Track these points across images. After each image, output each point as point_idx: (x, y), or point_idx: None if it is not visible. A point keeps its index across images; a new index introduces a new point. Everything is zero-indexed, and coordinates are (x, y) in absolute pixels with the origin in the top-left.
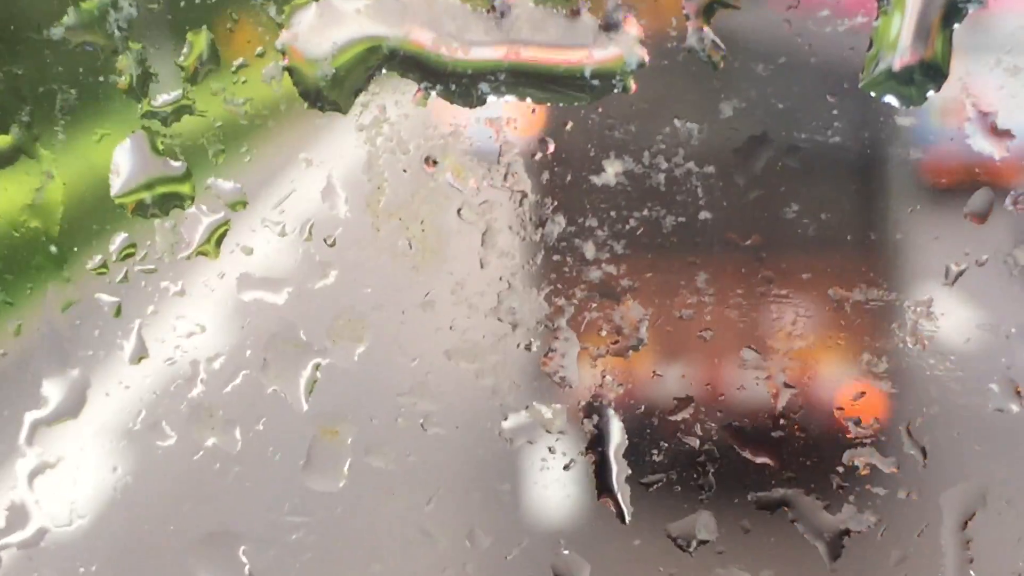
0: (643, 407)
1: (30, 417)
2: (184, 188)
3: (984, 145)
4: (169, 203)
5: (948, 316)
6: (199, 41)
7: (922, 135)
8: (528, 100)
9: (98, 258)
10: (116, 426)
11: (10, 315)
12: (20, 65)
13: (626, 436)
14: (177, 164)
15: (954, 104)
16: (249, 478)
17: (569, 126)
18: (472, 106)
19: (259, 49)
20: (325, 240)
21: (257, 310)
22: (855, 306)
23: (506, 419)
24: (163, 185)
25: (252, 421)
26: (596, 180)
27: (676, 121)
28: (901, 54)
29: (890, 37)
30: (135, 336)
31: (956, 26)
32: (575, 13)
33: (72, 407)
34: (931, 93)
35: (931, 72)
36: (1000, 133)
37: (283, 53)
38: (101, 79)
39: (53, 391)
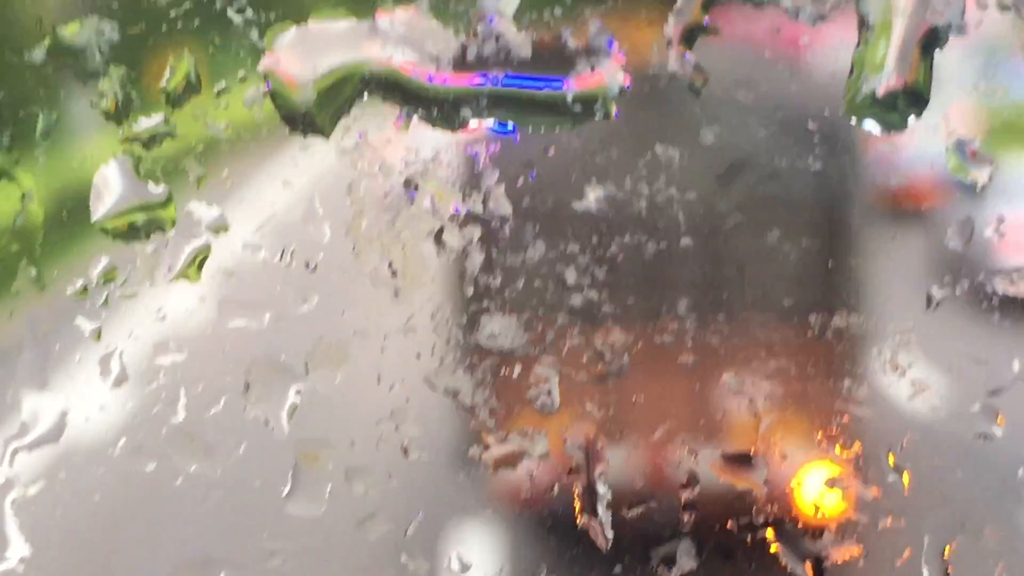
0: (624, 433)
1: (9, 442)
2: (165, 212)
3: (966, 170)
4: (150, 227)
5: (929, 342)
6: (181, 65)
7: (902, 161)
8: (510, 125)
9: (79, 282)
10: (96, 451)
11: None
12: (1, 88)
13: (608, 462)
14: (158, 188)
15: (934, 130)
16: (229, 503)
17: (551, 151)
18: (454, 130)
19: (241, 73)
20: (306, 264)
21: (238, 335)
22: (836, 332)
23: (487, 445)
24: (144, 209)
25: (233, 446)
26: (577, 206)
27: (658, 147)
28: (885, 79)
29: (874, 62)
30: (115, 361)
31: (937, 52)
32: (557, 38)
33: (52, 432)
34: (912, 119)
35: (914, 98)
36: (980, 159)
37: (265, 77)
38: (82, 102)
39: (33, 416)
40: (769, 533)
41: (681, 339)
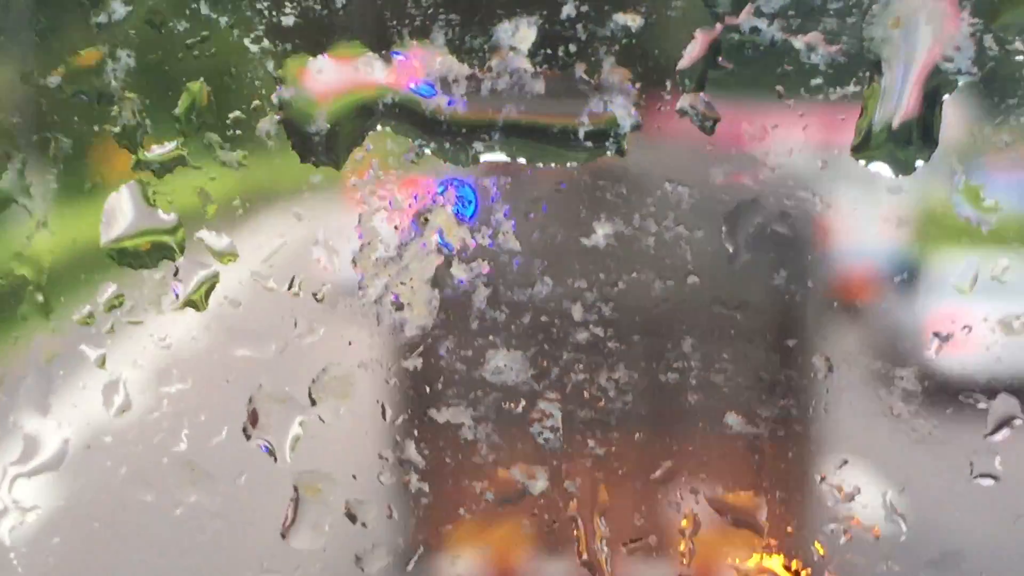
0: (626, 470)
1: (10, 468)
2: (174, 239)
3: (971, 214)
4: (159, 254)
5: (932, 384)
6: (195, 93)
7: (910, 203)
8: (521, 160)
9: (85, 308)
10: (97, 479)
11: None
12: (15, 113)
13: (609, 499)
14: (168, 216)
15: (942, 173)
16: (229, 534)
17: (560, 187)
18: (466, 164)
19: (255, 102)
20: (314, 295)
21: (243, 364)
22: (841, 372)
23: (489, 480)
24: (153, 236)
25: (234, 477)
26: (586, 242)
27: (667, 184)
28: (901, 110)
29: (887, 100)
30: (119, 388)
31: (946, 97)
32: (571, 74)
33: (53, 459)
34: (920, 163)
35: (925, 135)
36: (986, 204)
37: (279, 107)
38: (96, 128)
39: (34, 442)
40: (768, 574)
41: (685, 377)
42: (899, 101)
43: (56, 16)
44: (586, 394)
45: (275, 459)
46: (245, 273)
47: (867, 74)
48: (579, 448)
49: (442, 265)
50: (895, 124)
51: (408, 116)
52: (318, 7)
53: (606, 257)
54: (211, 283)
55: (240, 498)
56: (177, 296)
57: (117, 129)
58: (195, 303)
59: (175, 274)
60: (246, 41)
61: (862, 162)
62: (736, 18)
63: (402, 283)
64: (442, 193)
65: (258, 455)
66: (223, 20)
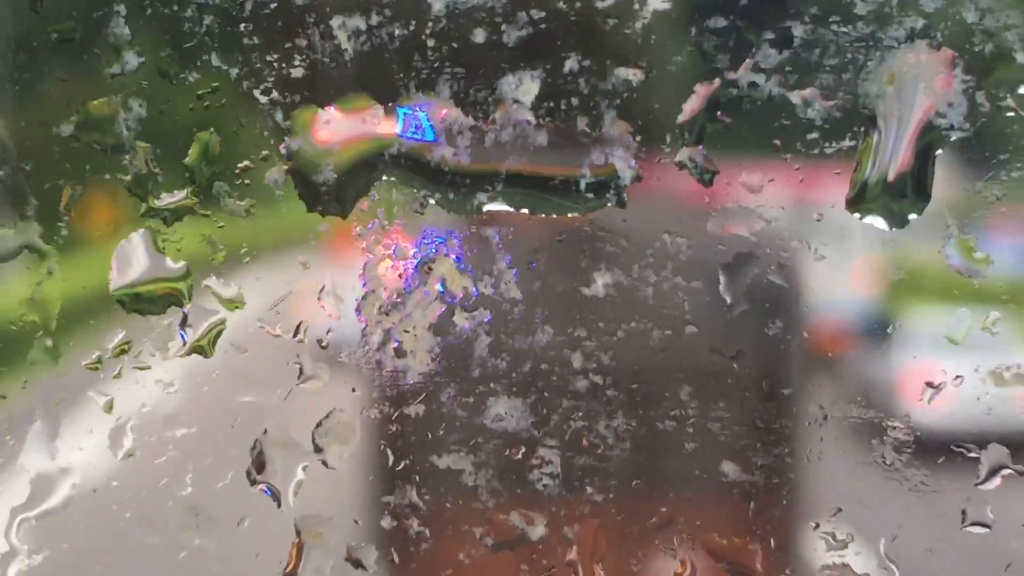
0: (624, 516)
1: (16, 512)
2: (182, 286)
3: (963, 267)
4: (167, 301)
5: (924, 434)
6: (205, 143)
7: (903, 256)
8: (524, 210)
9: (94, 354)
10: (102, 523)
11: (1, 408)
12: (28, 160)
13: (606, 545)
14: (177, 264)
15: (935, 227)
16: None
17: (561, 237)
18: (470, 214)
19: (264, 153)
20: (319, 342)
21: (248, 409)
22: (835, 421)
23: (489, 524)
24: (162, 283)
25: (237, 521)
26: (586, 291)
27: (665, 236)
28: (896, 163)
29: (881, 154)
30: (126, 433)
31: (939, 152)
32: (573, 126)
33: (59, 503)
34: (913, 217)
35: (919, 189)
36: (978, 257)
37: (287, 157)
38: (107, 177)
39: (41, 485)
40: None
41: (682, 426)
42: (893, 155)
43: (70, 66)
44: (585, 441)
45: (278, 504)
46: (251, 320)
47: (862, 129)
48: (578, 495)
49: (444, 313)
50: (890, 178)
51: (413, 167)
52: (326, 60)
53: (605, 306)
54: (218, 329)
55: (243, 542)
56: (184, 342)
57: (128, 178)
58: (202, 349)
59: (183, 321)
60: (256, 92)
61: (857, 215)
62: (735, 73)
63: (405, 331)
64: (443, 243)
65: (261, 499)
66: (233, 71)
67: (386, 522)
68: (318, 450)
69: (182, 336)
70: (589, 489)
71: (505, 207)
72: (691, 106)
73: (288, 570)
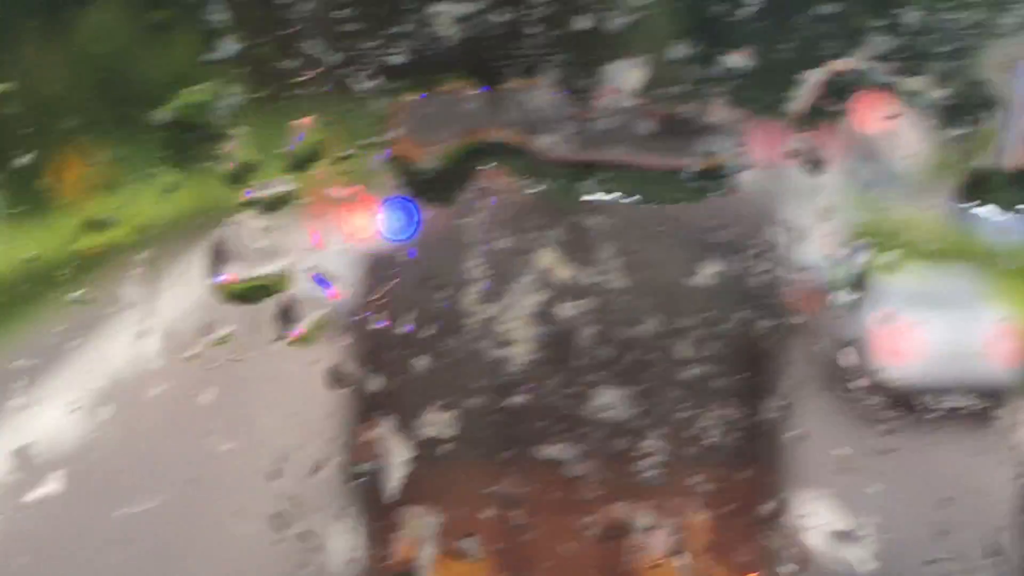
0: (733, 507)
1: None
2: (279, 279)
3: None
4: (266, 291)
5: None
6: (305, 130)
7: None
8: (628, 200)
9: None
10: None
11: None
12: (123, 148)
13: (714, 535)
14: (276, 252)
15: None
16: None
17: (665, 227)
18: (572, 203)
19: (366, 140)
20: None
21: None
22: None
23: (592, 515)
24: (261, 277)
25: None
26: (691, 280)
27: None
28: (1011, 155)
29: (998, 142)
30: None
31: None
32: (678, 115)
33: None
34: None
35: None
36: None
37: (390, 144)
38: (203, 164)
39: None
40: None
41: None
42: (1011, 143)
43: (166, 52)
44: (691, 431)
45: (382, 494)
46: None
47: (978, 116)
48: (684, 485)
49: (547, 302)
50: (1007, 166)
51: (514, 156)
52: (427, 46)
53: (710, 296)
54: (323, 320)
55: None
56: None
57: (224, 165)
58: (308, 337)
59: (284, 311)
60: (356, 79)
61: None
62: (846, 60)
63: (507, 320)
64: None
65: (360, 490)
66: (335, 58)
67: (488, 513)
68: (420, 441)
69: (280, 327)
70: (696, 479)
71: (609, 196)
72: (802, 93)
73: (391, 562)
